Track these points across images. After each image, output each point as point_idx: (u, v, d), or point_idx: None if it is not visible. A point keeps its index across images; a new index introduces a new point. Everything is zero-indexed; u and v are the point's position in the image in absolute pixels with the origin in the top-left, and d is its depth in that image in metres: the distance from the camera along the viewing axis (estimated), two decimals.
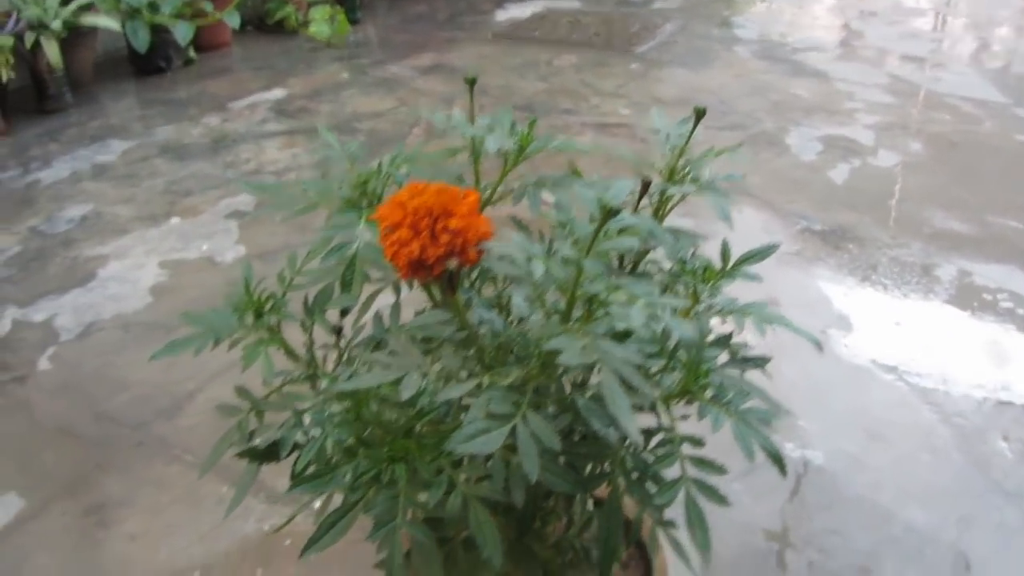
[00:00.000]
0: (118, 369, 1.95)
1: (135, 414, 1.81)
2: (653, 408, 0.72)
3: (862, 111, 3.46)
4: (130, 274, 2.29)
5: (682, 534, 0.84)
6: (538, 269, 0.58)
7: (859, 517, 1.62)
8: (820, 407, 1.87)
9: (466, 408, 0.67)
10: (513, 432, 0.57)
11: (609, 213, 0.58)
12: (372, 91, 3.65)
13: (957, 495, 1.69)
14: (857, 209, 2.72)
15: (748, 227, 2.58)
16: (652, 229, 0.76)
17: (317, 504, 1.57)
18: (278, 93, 3.60)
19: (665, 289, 0.83)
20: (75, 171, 2.88)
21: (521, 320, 0.69)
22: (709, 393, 0.66)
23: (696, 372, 0.65)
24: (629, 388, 0.57)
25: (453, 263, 0.59)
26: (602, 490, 1.15)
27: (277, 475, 1.62)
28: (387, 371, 0.62)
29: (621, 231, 0.72)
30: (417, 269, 0.61)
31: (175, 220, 2.57)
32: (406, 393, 0.59)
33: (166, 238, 2.46)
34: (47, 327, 2.09)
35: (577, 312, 0.65)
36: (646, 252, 0.90)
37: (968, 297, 2.31)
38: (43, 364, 1.96)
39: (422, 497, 0.61)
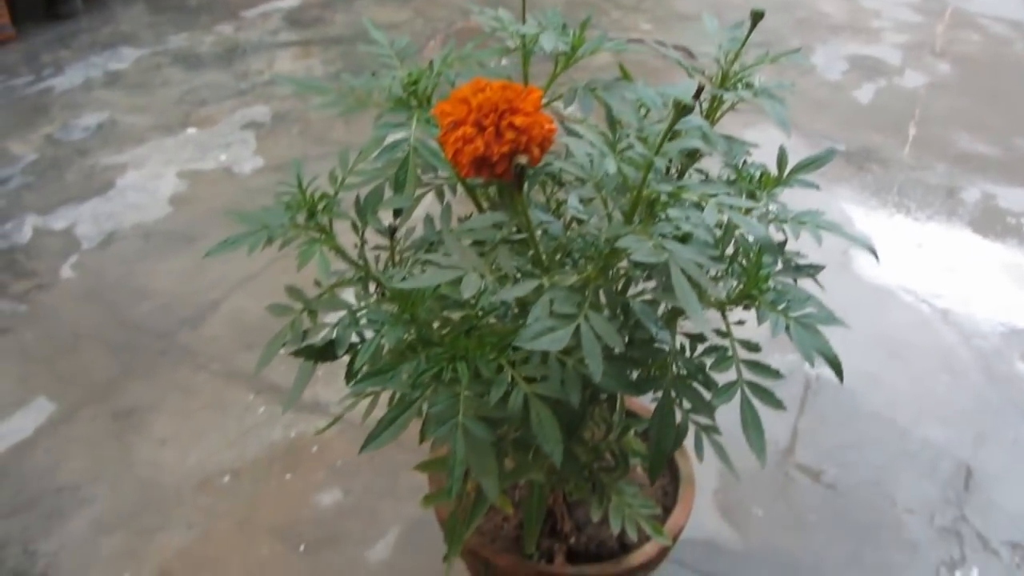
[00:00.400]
0: (141, 278, 1.95)
1: (159, 323, 1.82)
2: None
3: (889, 30, 3.38)
4: (148, 183, 2.28)
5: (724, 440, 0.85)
6: (611, 166, 0.57)
7: (876, 433, 1.64)
8: (841, 326, 1.88)
9: (523, 309, 0.67)
10: (577, 331, 0.57)
11: (683, 110, 0.56)
12: (387, 1, 3.56)
13: (974, 413, 1.70)
14: (882, 130, 2.67)
15: (771, 147, 2.55)
16: (707, 133, 0.75)
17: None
18: (291, 2, 3.51)
19: None
20: (88, 78, 2.83)
21: (579, 222, 0.68)
22: (769, 298, 0.66)
23: (757, 277, 0.65)
24: (695, 287, 0.56)
25: (523, 159, 0.58)
26: (636, 404, 1.16)
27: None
28: (446, 271, 0.61)
29: (675, 135, 0.70)
30: (480, 167, 0.60)
31: (191, 130, 2.54)
32: (467, 293, 0.59)
33: (183, 148, 2.44)
34: (68, 235, 2.08)
35: (636, 216, 0.65)
36: (693, 160, 0.89)
37: (991, 220, 2.29)
38: (66, 272, 1.97)
39: (482, 395, 0.61)
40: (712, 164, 0.89)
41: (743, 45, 0.83)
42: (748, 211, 0.70)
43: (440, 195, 0.89)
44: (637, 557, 1.04)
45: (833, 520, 1.46)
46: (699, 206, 0.60)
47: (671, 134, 0.65)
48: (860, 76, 3.00)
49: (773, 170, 0.82)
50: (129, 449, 1.53)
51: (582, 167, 0.60)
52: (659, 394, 0.74)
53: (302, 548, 1.36)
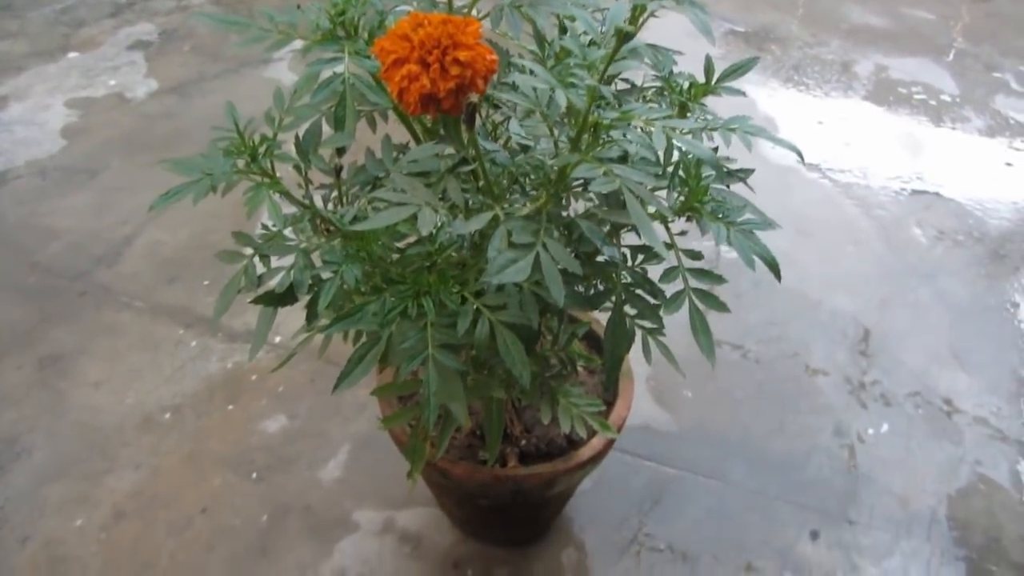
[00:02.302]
0: (44, 217, 1.87)
1: (72, 263, 1.76)
2: None
3: None
4: (36, 116, 2.15)
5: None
6: (562, 100, 0.58)
7: (790, 307, 1.74)
8: (776, 228, 1.96)
9: (481, 240, 0.69)
10: (537, 260, 0.60)
11: (625, 37, 0.57)
12: None
13: (877, 281, 1.82)
14: (778, 7, 2.72)
15: (672, 32, 2.56)
16: (636, 46, 0.76)
17: (278, 340, 1.60)
18: None
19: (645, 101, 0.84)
20: None
21: (526, 149, 0.70)
22: (709, 208, 0.69)
23: (698, 189, 0.68)
24: (644, 206, 0.59)
25: (474, 97, 0.58)
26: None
27: (233, 316, 1.63)
28: (400, 209, 0.62)
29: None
30: (427, 104, 0.60)
31: (73, 55, 2.39)
32: (424, 229, 0.60)
33: (68, 74, 2.30)
34: None
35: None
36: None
37: (884, 92, 2.39)
38: None
39: (448, 327, 0.63)
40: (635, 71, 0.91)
41: None
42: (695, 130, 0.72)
43: (371, 122, 0.88)
44: (585, 451, 1.10)
45: (757, 394, 1.56)
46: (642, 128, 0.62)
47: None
48: None
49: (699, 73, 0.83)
50: (62, 396, 1.50)
51: (529, 98, 0.61)
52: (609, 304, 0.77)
53: (254, 476, 1.38)
